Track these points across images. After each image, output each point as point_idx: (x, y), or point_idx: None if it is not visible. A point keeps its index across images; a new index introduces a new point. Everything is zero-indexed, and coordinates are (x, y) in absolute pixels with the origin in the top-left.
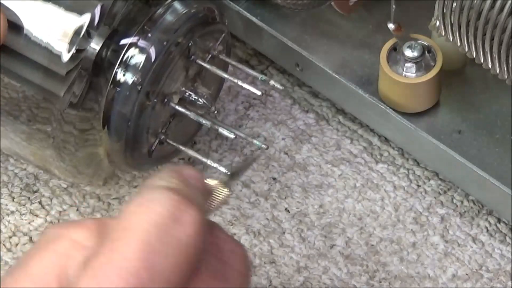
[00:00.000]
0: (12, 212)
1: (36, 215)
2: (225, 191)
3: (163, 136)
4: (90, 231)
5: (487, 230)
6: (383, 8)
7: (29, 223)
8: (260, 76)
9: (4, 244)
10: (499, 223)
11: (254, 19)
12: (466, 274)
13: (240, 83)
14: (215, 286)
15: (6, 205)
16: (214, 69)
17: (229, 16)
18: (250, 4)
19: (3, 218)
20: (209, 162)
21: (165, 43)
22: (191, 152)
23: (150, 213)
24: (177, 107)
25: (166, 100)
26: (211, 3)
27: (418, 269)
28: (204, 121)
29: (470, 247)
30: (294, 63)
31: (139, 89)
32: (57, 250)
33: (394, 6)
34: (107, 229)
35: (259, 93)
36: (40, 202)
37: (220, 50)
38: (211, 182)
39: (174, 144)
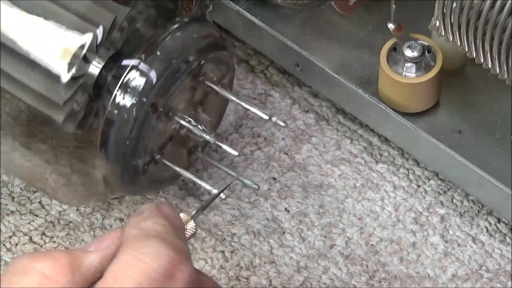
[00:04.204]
0: (12, 212)
1: (36, 215)
2: (193, 225)
3: (159, 156)
4: (61, 265)
5: (487, 230)
6: (383, 8)
7: (29, 223)
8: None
9: (4, 244)
10: (499, 223)
11: (254, 19)
12: (466, 274)
13: (247, 106)
14: None
15: (6, 205)
16: (222, 90)
17: (229, 16)
18: (250, 4)
19: (3, 218)
20: (203, 184)
21: (166, 66)
22: (187, 174)
23: (144, 267)
24: (182, 121)
25: (167, 118)
26: (216, 30)
27: (418, 269)
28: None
29: (470, 247)
30: (294, 63)
31: (138, 112)
32: (27, 284)
33: (394, 6)
34: (80, 264)
35: (266, 117)
36: (40, 202)
37: (222, 79)
38: (183, 217)
39: (169, 164)
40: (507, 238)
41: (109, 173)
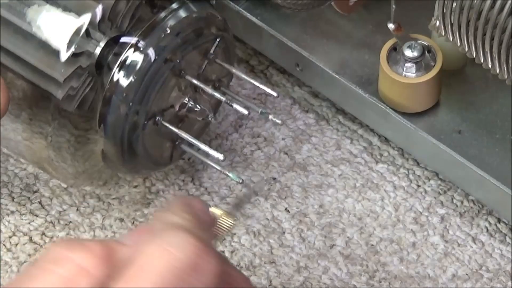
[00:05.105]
0: (12, 212)
1: (36, 215)
2: (230, 220)
3: (159, 117)
4: (97, 258)
5: (487, 230)
6: (383, 8)
7: (29, 223)
8: (259, 109)
9: (4, 244)
10: (499, 223)
11: (254, 19)
12: (466, 274)
13: (257, 83)
14: None
15: (6, 205)
16: (230, 67)
17: (229, 16)
18: (250, 4)
19: (3, 218)
20: (206, 148)
21: (165, 46)
22: (187, 136)
23: (169, 257)
24: (194, 80)
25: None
26: (214, 10)
27: (418, 269)
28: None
29: (470, 247)
30: (294, 63)
31: (136, 90)
32: (61, 273)
33: (394, 6)
34: (116, 258)
35: (275, 94)
36: (40, 202)
37: (216, 54)
38: (215, 211)
39: (169, 126)
40: (507, 238)
41: (107, 149)
